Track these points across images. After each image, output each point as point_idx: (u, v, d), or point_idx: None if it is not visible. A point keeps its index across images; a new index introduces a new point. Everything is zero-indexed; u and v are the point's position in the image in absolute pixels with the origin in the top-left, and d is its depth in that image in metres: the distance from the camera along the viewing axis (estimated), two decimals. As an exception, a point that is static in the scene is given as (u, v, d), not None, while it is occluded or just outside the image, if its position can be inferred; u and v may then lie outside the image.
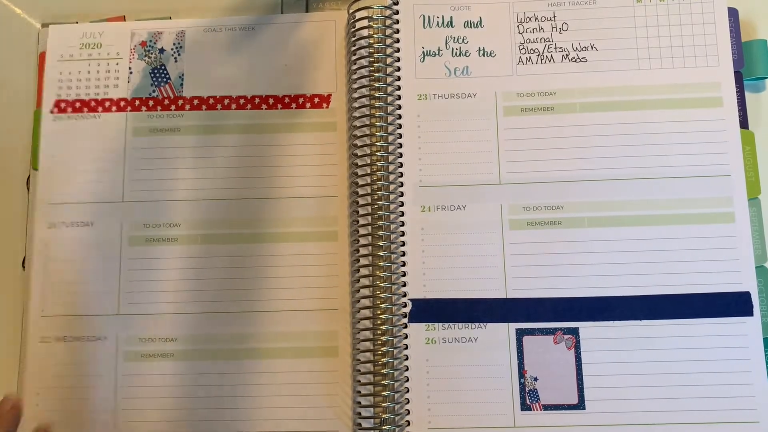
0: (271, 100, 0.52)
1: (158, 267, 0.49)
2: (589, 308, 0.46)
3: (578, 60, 0.50)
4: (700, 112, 0.49)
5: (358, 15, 0.50)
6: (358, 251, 0.48)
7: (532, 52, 0.50)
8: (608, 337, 0.46)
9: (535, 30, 0.51)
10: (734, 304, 0.46)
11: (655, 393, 0.46)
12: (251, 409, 0.47)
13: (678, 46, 0.50)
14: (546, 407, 0.46)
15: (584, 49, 0.50)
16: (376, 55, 0.50)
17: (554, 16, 0.51)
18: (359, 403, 0.46)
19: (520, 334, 0.47)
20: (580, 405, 0.45)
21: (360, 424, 0.46)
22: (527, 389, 0.46)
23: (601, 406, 0.45)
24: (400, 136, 0.49)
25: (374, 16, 0.51)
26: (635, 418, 0.45)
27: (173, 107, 0.52)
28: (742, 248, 0.47)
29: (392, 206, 0.48)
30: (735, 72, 0.49)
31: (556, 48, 0.50)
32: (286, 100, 0.52)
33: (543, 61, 0.50)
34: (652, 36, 0.50)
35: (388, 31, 0.51)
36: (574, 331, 0.46)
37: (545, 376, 0.46)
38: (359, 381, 0.47)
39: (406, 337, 0.47)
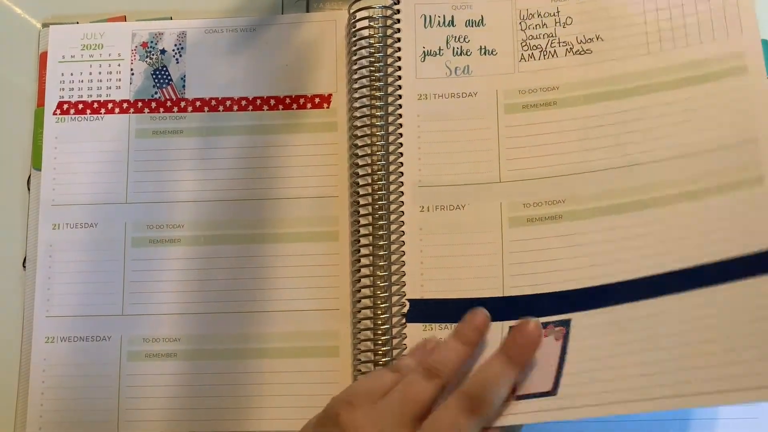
0: (272, 101, 0.52)
1: (161, 268, 0.50)
2: (584, 297, 0.45)
3: (583, 52, 0.49)
4: (721, 84, 0.46)
5: (359, 15, 0.50)
6: (358, 251, 0.48)
7: (534, 48, 0.50)
8: (600, 323, 0.43)
9: (537, 26, 0.50)
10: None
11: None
12: (253, 408, 0.48)
13: (693, 23, 0.48)
14: (518, 397, 0.42)
15: (589, 40, 0.49)
16: (376, 55, 0.50)
17: (558, 11, 0.50)
18: (360, 402, 0.47)
19: None
20: (553, 392, 0.41)
21: (361, 424, 0.46)
22: None
23: (575, 392, 0.40)
24: (401, 136, 0.49)
25: (375, 16, 0.51)
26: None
27: (175, 109, 0.52)
28: None
29: (392, 206, 0.48)
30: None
31: (559, 42, 0.50)
32: (287, 101, 0.52)
33: (546, 56, 0.50)
34: (663, 18, 0.48)
35: (389, 31, 0.51)
36: (566, 323, 0.44)
37: (527, 369, 0.42)
38: (360, 381, 0.47)
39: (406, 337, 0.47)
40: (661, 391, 0.38)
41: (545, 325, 0.44)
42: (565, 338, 0.43)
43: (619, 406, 0.39)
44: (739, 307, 0.39)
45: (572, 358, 0.42)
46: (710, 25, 0.48)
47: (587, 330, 0.43)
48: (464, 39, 0.51)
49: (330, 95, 0.52)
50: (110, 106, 0.52)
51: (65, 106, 0.52)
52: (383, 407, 0.39)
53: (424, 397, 0.39)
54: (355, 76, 0.50)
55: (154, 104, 0.52)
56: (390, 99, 0.50)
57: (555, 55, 0.50)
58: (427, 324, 0.47)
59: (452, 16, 0.51)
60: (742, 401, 0.36)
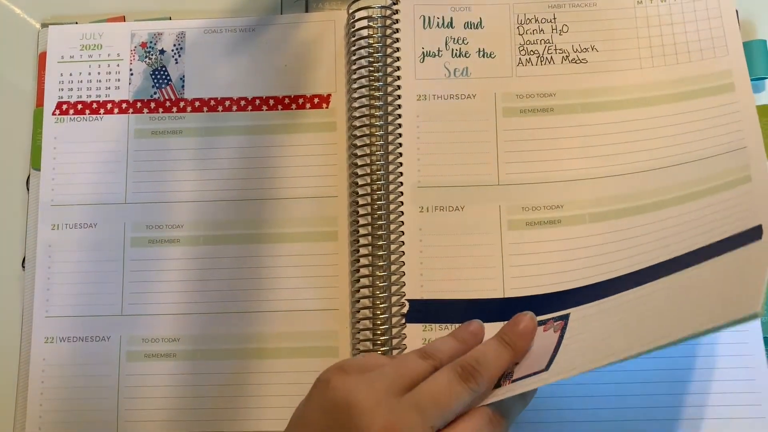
0: (271, 101, 0.52)
1: (161, 268, 0.50)
2: (583, 294, 0.45)
3: (578, 61, 0.50)
4: (711, 100, 0.48)
5: (358, 15, 0.50)
6: (357, 251, 0.48)
7: (531, 53, 0.50)
8: (597, 311, 0.44)
9: (535, 32, 0.51)
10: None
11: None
12: (252, 408, 0.48)
13: (683, 42, 0.49)
14: (514, 381, 0.42)
15: (584, 50, 0.50)
16: (375, 56, 0.50)
17: (554, 18, 0.51)
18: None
19: None
20: (545, 369, 0.41)
21: (360, 424, 0.47)
22: (505, 373, 0.43)
23: (565, 364, 0.40)
24: (400, 136, 0.49)
25: (374, 16, 0.51)
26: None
27: (175, 109, 0.52)
28: None
29: (392, 206, 0.48)
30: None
31: (556, 49, 0.50)
32: (286, 101, 0.52)
33: (543, 62, 0.50)
34: (655, 35, 0.50)
35: (388, 32, 0.51)
36: (565, 317, 0.45)
37: (525, 359, 0.43)
38: (359, 381, 0.47)
39: (405, 337, 0.47)
40: (645, 337, 0.38)
41: (546, 321, 0.44)
42: (563, 329, 0.44)
43: (601, 360, 0.38)
44: (728, 270, 0.40)
45: (566, 342, 0.42)
46: (698, 45, 0.49)
47: (583, 319, 0.44)
48: (463, 41, 0.51)
49: (329, 95, 0.52)
50: (109, 106, 0.52)
51: (64, 107, 0.52)
52: (376, 375, 0.39)
53: (417, 372, 0.39)
54: (354, 77, 0.50)
55: (153, 104, 0.52)
56: (389, 99, 0.50)
57: (552, 62, 0.50)
58: (427, 324, 0.47)
59: (451, 18, 0.51)
60: (729, 319, 0.34)
